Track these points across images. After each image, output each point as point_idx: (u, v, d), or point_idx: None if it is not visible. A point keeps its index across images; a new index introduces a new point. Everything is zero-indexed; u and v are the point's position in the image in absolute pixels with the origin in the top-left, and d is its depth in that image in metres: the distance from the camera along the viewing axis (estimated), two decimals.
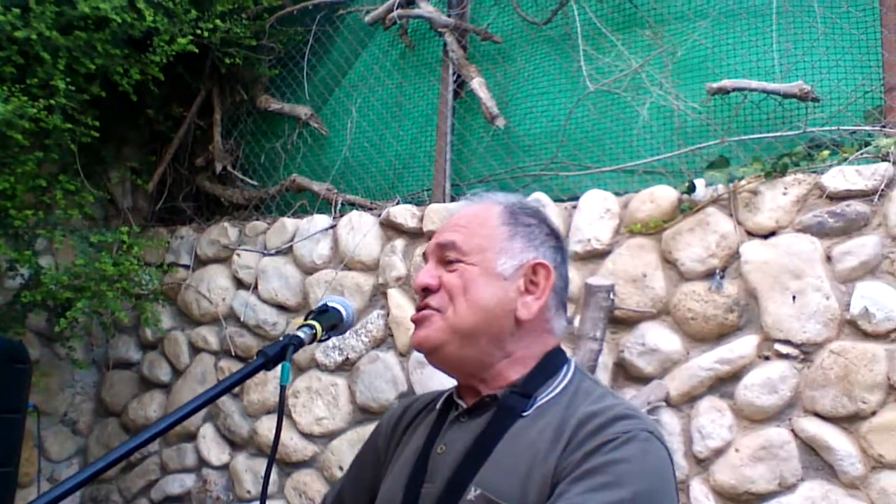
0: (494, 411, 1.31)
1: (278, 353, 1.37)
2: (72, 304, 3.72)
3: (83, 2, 3.71)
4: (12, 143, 3.60)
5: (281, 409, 1.37)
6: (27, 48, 3.69)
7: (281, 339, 1.40)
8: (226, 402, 4.15)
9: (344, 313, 1.50)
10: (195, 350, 4.40)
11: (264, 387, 4.05)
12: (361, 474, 1.56)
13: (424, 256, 1.45)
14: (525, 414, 1.28)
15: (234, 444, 4.14)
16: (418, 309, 1.39)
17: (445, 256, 1.38)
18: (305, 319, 1.44)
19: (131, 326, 4.56)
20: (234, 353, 4.23)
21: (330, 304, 1.50)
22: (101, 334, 4.49)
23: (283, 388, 1.36)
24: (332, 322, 1.47)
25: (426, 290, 1.38)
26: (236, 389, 4.17)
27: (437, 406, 1.46)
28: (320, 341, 1.44)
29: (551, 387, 1.32)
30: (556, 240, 1.43)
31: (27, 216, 3.76)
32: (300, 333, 1.39)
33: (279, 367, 1.36)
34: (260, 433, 4.01)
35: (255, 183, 4.68)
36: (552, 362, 1.36)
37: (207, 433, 4.22)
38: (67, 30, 3.80)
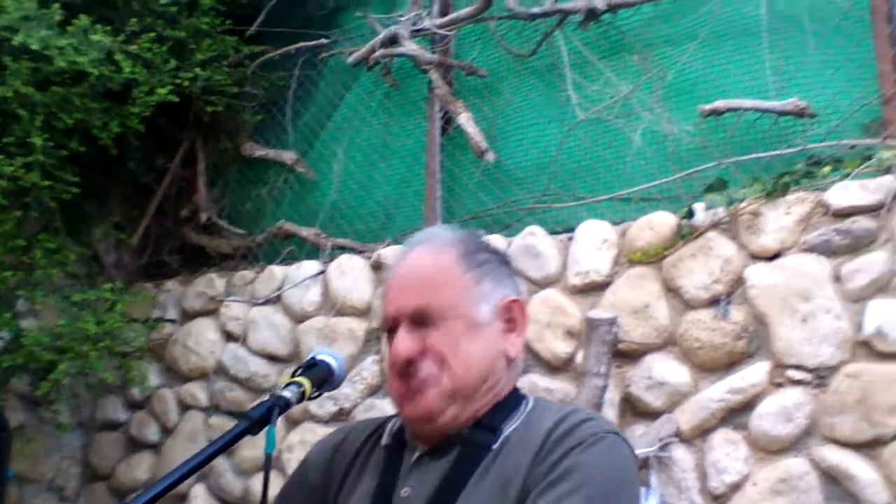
0: (461, 449, 1.24)
1: (263, 415, 1.25)
2: (55, 366, 3.60)
3: (59, 56, 3.64)
4: None
5: (266, 479, 1.23)
6: (3, 106, 3.61)
7: (267, 398, 1.28)
8: (217, 460, 3.99)
9: (334, 366, 1.38)
10: (184, 407, 4.25)
11: (256, 443, 3.85)
12: None
13: (384, 322, 1.32)
14: (493, 447, 1.23)
15: (227, 503, 3.97)
16: (402, 380, 1.26)
17: (420, 318, 1.25)
18: (293, 376, 1.32)
19: (118, 385, 4.41)
20: (224, 409, 4.09)
21: (318, 357, 1.38)
22: (86, 395, 4.34)
23: (268, 458, 1.22)
24: (321, 377, 1.35)
25: (410, 363, 1.24)
26: None
27: (383, 442, 1.35)
28: (310, 399, 1.32)
29: (514, 418, 1.27)
30: (509, 266, 1.38)
31: (7, 277, 3.65)
32: (286, 393, 1.27)
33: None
34: (253, 492, 3.85)
35: (242, 232, 4.58)
36: (517, 397, 1.31)
37: (199, 493, 4.05)
38: (44, 85, 3.73)
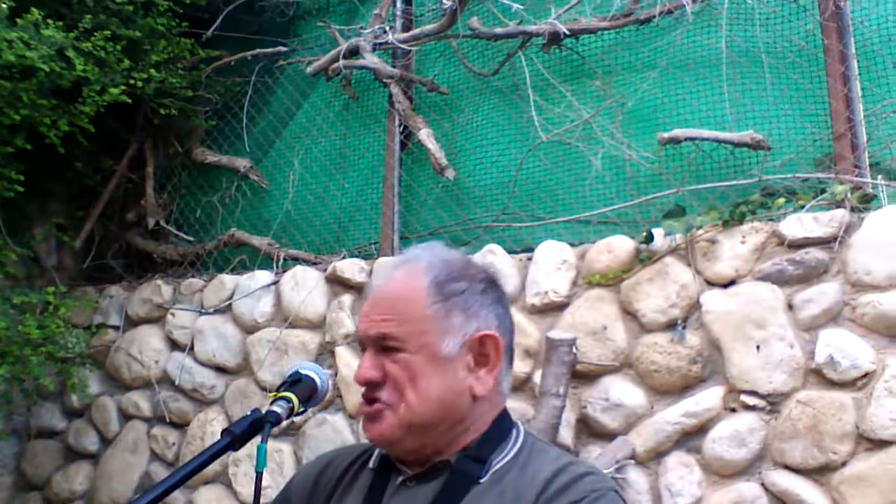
0: (447, 477, 1.23)
1: (247, 430, 1.21)
2: None
3: (8, 50, 3.51)
4: None
5: (257, 497, 1.19)
6: None
7: (249, 413, 1.24)
8: (159, 473, 3.88)
9: (318, 381, 1.35)
10: (126, 417, 4.12)
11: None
12: None
13: (360, 344, 1.32)
14: (481, 480, 1.21)
15: None
16: (366, 400, 1.26)
17: (384, 344, 1.24)
18: (277, 391, 1.29)
19: (56, 392, 4.26)
20: (168, 420, 3.98)
21: (302, 371, 1.35)
22: (22, 401, 4.17)
23: (259, 476, 1.19)
24: (306, 392, 1.32)
25: (370, 384, 1.25)
26: (170, 459, 3.91)
27: (371, 465, 1.33)
28: (297, 415, 1.29)
29: (504, 451, 1.25)
30: (494, 290, 1.32)
31: None
32: (276, 408, 1.23)
33: (249, 446, 1.20)
34: None
35: (191, 238, 4.48)
36: (502, 425, 1.29)
37: None
38: None
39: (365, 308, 1.30)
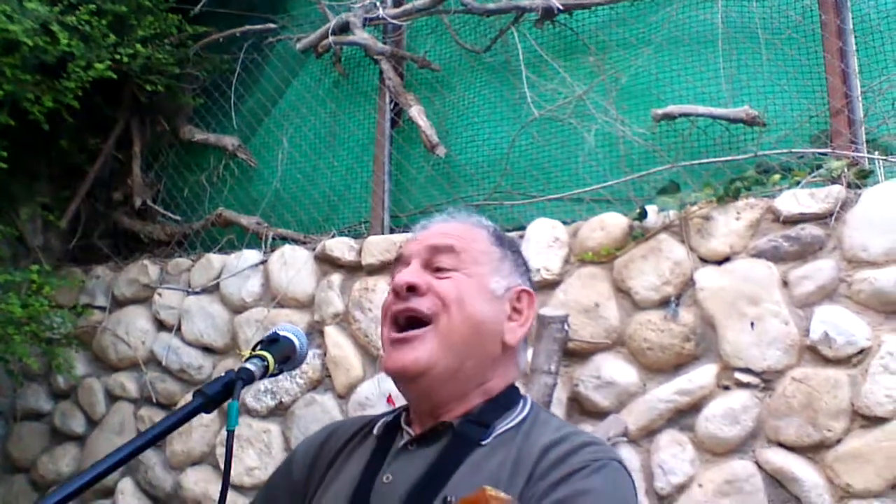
0: (449, 439, 1.19)
1: (220, 391, 1.15)
2: None
3: None
4: None
5: (228, 459, 1.13)
6: None
7: (223, 374, 1.18)
8: (146, 453, 3.82)
9: (297, 343, 1.29)
10: (112, 398, 4.07)
11: (188, 436, 3.75)
12: None
13: (400, 259, 1.29)
14: (484, 443, 1.17)
15: (157, 499, 3.81)
16: (399, 319, 1.22)
17: (436, 262, 1.24)
18: (253, 349, 1.23)
19: (41, 374, 4.19)
20: (155, 401, 3.92)
21: (281, 332, 1.28)
22: (7, 383, 4.11)
23: (230, 434, 1.13)
24: (283, 353, 1.26)
25: (410, 291, 1.21)
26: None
27: (375, 432, 1.30)
28: (272, 376, 1.23)
29: (509, 418, 1.21)
30: (529, 272, 1.37)
31: None
32: (249, 366, 1.17)
33: (221, 408, 1.14)
34: (185, 487, 3.70)
35: (178, 218, 4.41)
36: (512, 395, 1.26)
37: (126, 488, 3.87)
38: None
39: (414, 237, 1.31)
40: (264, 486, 1.40)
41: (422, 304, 1.20)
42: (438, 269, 1.24)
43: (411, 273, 1.23)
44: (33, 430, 4.22)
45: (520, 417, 1.22)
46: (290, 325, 1.35)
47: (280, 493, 1.35)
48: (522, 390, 1.30)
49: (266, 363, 1.20)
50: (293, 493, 1.32)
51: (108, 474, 1.06)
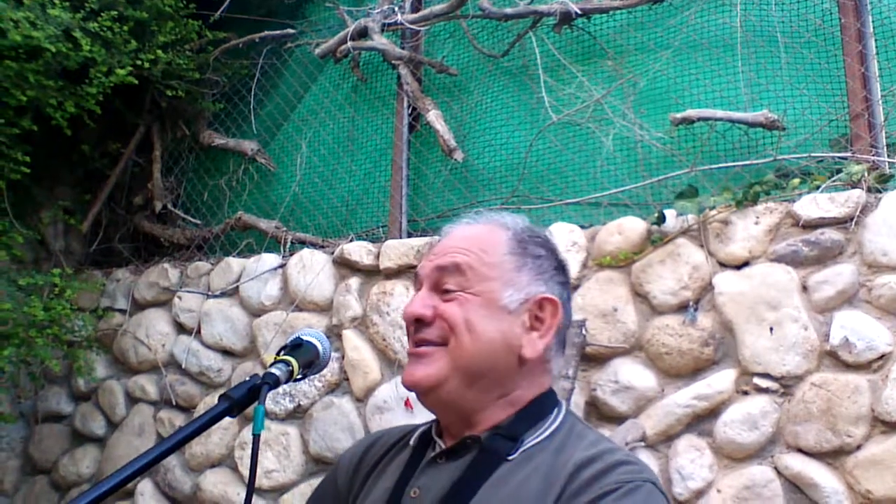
0: (476, 454, 1.18)
1: (245, 395, 1.17)
2: None
3: (14, 30, 3.49)
4: None
5: (254, 462, 1.15)
6: None
7: (247, 379, 1.20)
8: None
9: (320, 348, 1.31)
10: (132, 400, 4.10)
11: (207, 438, 3.77)
12: None
13: (416, 281, 1.29)
14: (510, 458, 1.15)
15: (176, 500, 3.83)
16: (415, 343, 1.22)
17: (443, 284, 1.22)
18: (278, 354, 1.25)
19: (62, 376, 4.24)
20: (174, 403, 3.95)
21: (304, 337, 1.31)
22: (29, 385, 4.16)
23: (256, 438, 1.14)
24: (307, 358, 1.28)
25: (419, 322, 1.22)
26: None
27: (412, 443, 1.30)
28: (296, 380, 1.25)
29: (540, 430, 1.19)
30: (564, 274, 1.30)
31: None
32: (275, 371, 1.19)
33: (247, 411, 1.16)
34: (204, 489, 3.72)
35: (198, 222, 4.45)
36: (543, 404, 1.23)
37: (146, 490, 3.90)
38: None
39: (435, 248, 1.28)
40: (313, 494, 1.42)
41: (430, 334, 1.20)
42: (446, 291, 1.22)
43: (418, 303, 1.22)
44: (54, 431, 4.27)
45: (551, 429, 1.19)
46: (314, 329, 1.36)
47: (328, 500, 1.37)
48: None
49: (291, 368, 1.22)
50: (338, 500, 1.34)
51: (137, 476, 1.09)
